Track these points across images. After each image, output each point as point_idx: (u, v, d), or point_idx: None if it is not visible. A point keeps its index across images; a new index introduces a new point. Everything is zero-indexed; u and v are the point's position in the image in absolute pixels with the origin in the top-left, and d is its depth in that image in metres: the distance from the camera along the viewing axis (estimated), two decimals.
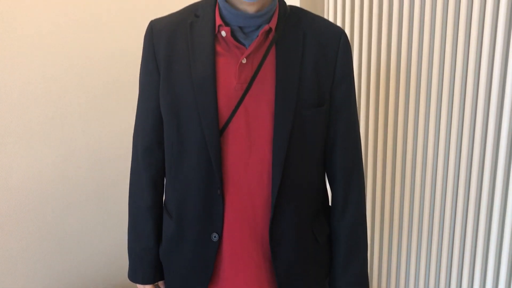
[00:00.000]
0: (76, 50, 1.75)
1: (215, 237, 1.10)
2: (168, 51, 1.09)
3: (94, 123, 1.84)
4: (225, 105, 1.05)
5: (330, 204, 1.25)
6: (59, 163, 1.77)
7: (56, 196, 1.78)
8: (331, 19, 1.93)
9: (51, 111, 1.71)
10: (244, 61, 1.05)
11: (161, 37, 1.10)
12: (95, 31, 1.79)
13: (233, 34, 1.06)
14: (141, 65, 1.16)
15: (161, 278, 1.25)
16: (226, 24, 1.06)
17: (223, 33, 1.05)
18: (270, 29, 1.06)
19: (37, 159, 1.71)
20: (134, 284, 2.07)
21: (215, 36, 1.07)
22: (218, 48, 1.07)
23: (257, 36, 1.06)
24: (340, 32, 1.13)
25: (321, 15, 1.98)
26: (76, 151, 1.81)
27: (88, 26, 1.77)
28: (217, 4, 1.09)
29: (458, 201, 1.72)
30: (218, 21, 1.06)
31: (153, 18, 1.16)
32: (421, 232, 1.86)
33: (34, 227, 1.74)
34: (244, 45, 1.06)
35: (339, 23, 1.91)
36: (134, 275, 1.24)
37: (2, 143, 1.61)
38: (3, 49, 1.57)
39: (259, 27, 1.06)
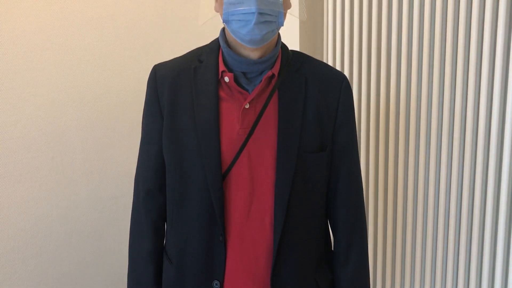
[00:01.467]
0: (78, 89, 1.75)
1: (216, 284, 1.08)
2: (172, 96, 1.09)
3: (95, 163, 1.83)
4: (228, 150, 1.05)
5: (332, 248, 1.23)
6: (58, 203, 1.75)
7: (55, 236, 1.75)
8: (330, 62, 1.96)
9: (52, 151, 1.71)
10: (247, 106, 1.06)
11: (165, 82, 1.10)
12: (97, 70, 1.80)
13: (236, 79, 1.07)
14: (144, 108, 1.16)
15: None
16: (229, 69, 1.07)
17: (226, 79, 1.06)
18: (273, 74, 1.07)
19: (37, 199, 1.69)
20: None
21: (219, 81, 1.08)
22: (221, 94, 1.07)
23: (260, 81, 1.06)
24: (341, 77, 1.14)
25: (320, 57, 2.01)
26: (76, 191, 1.79)
27: (92, 64, 1.78)
28: (220, 49, 1.10)
29: (460, 238, 1.70)
30: (221, 67, 1.07)
31: (157, 60, 1.17)
32: (424, 273, 1.83)
33: (32, 267, 1.70)
34: (247, 90, 1.07)
35: (337, 66, 1.93)
36: None
37: (1, 182, 1.59)
38: (3, 87, 1.57)
39: (262, 72, 1.07)
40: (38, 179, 1.68)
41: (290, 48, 1.16)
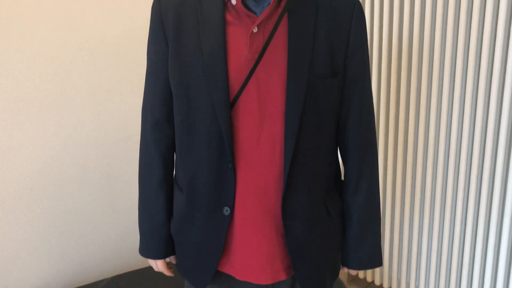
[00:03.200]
0: (85, 27, 1.71)
1: (226, 211, 1.08)
2: (177, 22, 1.05)
3: (103, 102, 1.81)
4: (235, 77, 1.02)
5: (342, 178, 1.22)
6: (67, 143, 1.75)
7: (64, 177, 1.77)
8: None
9: (59, 91, 1.69)
10: (255, 30, 1.01)
11: (169, 8, 1.06)
12: (102, 8, 1.74)
13: (243, 2, 1.02)
14: (148, 36, 1.12)
15: (173, 253, 1.23)
16: None
17: (233, 1, 1.01)
18: None
19: (45, 140, 1.69)
20: (145, 262, 2.08)
21: (225, 4, 1.03)
22: (228, 17, 1.03)
23: (269, 4, 1.02)
24: (353, 1, 1.09)
25: None
26: (85, 130, 1.79)
27: (96, 3, 1.72)
28: None
29: (472, 170, 1.70)
30: None
31: None
32: (434, 204, 1.84)
33: (41, 210, 1.73)
34: (255, 13, 1.02)
35: None
36: (145, 250, 1.23)
37: (9, 123, 1.59)
38: (8, 27, 1.53)
39: None
40: (45, 119, 1.67)
41: None
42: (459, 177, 1.74)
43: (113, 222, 1.95)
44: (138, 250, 2.05)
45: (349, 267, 1.22)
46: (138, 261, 2.06)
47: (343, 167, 1.22)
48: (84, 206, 1.85)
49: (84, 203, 1.84)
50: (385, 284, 2.09)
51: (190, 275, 1.19)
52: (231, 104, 1.03)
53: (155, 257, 1.21)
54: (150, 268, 1.89)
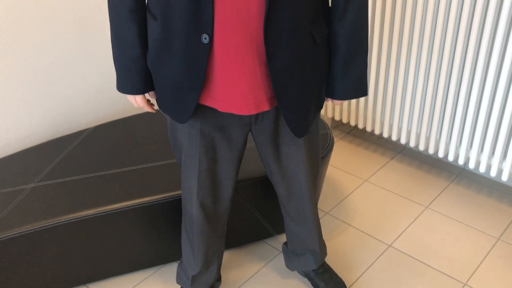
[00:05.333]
0: None
1: (205, 38, 1.01)
2: None
3: None
4: None
5: (330, 5, 1.14)
6: None
7: (35, 24, 1.65)
8: None
9: None
10: None
11: None
12: None
13: None
14: None
15: (152, 89, 1.19)
16: None
17: None
18: None
19: None
20: (127, 112, 2.04)
21: None
22: None
23: None
24: None
25: None
26: None
27: None
28: None
29: (463, 8, 1.62)
30: None
31: None
32: (422, 43, 1.79)
33: (14, 57, 1.64)
34: None
35: None
36: (122, 86, 1.18)
37: None
38: None
39: None
40: None
41: None
42: (449, 14, 1.66)
43: (91, 73, 1.88)
44: (118, 101, 2.01)
45: (334, 97, 1.19)
46: (120, 112, 2.03)
47: None
48: (58, 54, 1.76)
49: (55, 52, 1.75)
50: (368, 128, 2.11)
51: (171, 110, 1.16)
52: None
53: (134, 92, 1.17)
54: (132, 117, 1.87)
